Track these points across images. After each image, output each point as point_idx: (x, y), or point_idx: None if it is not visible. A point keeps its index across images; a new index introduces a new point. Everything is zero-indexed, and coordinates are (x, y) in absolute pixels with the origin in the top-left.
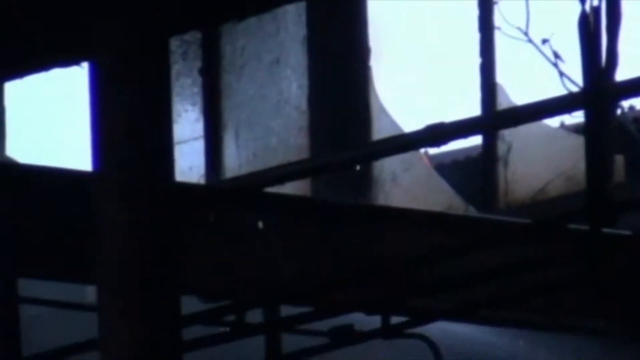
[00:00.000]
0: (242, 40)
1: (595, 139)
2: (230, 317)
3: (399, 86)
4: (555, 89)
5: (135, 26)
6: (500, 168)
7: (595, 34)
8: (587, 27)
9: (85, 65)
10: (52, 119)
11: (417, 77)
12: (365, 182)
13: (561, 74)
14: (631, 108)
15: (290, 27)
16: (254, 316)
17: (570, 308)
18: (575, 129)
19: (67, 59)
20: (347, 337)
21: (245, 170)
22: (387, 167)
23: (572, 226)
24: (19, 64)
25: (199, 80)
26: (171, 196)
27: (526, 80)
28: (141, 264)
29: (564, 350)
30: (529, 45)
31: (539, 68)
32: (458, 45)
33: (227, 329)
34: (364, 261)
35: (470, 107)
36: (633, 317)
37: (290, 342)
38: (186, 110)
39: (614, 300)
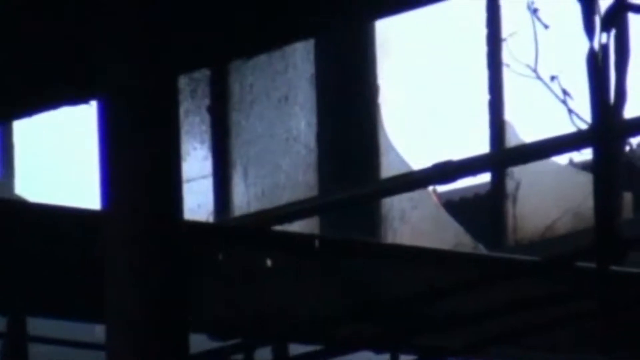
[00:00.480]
0: (251, 77)
1: (603, 176)
2: (239, 356)
3: (408, 123)
4: (563, 126)
5: (144, 65)
6: (509, 205)
7: (604, 70)
8: (596, 63)
9: (94, 104)
10: (61, 157)
11: (426, 114)
12: (374, 219)
13: (570, 111)
14: None
15: (298, 64)
16: (263, 354)
17: (575, 346)
18: (584, 166)
19: (76, 98)
20: None
21: (253, 208)
22: (396, 204)
23: (580, 264)
24: (28, 101)
25: (207, 118)
26: (180, 235)
27: (535, 117)
28: (150, 303)
29: None
30: (538, 82)
31: (548, 105)
32: (467, 82)
33: None
34: (372, 298)
35: (479, 144)
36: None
37: None
38: (195, 148)
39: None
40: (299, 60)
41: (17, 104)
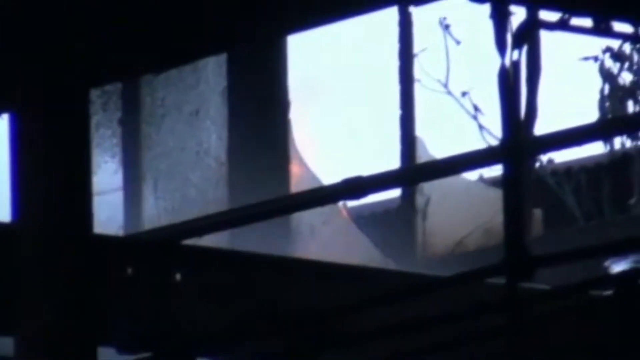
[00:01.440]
0: (162, 91)
1: (513, 192)
2: None
3: (319, 138)
4: (474, 142)
5: (56, 77)
6: (419, 221)
7: (515, 87)
8: (507, 80)
9: (5, 117)
10: None
11: (338, 130)
12: (284, 234)
13: (480, 126)
14: (550, 161)
15: (210, 78)
16: None
17: None
18: (494, 181)
19: None
20: None
21: (164, 221)
22: (306, 219)
23: (490, 280)
24: None
25: (118, 131)
26: (89, 248)
27: (445, 133)
28: (60, 315)
29: None
30: (449, 97)
31: (459, 121)
32: (379, 97)
33: None
34: (281, 313)
35: (390, 159)
36: None
37: None
38: (106, 162)
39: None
40: (211, 74)
41: None
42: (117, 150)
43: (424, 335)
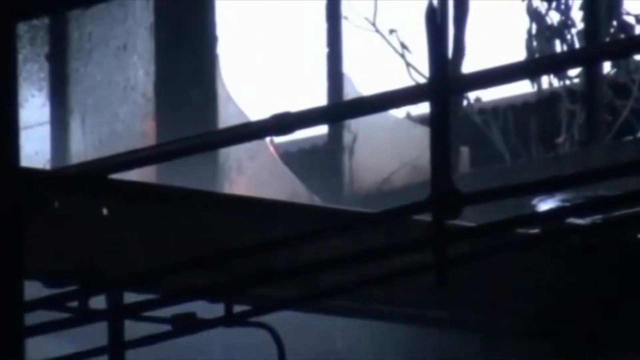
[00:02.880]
0: (90, 25)
1: (440, 130)
2: (74, 303)
3: (247, 74)
4: (402, 80)
5: None
6: (346, 157)
7: (442, 25)
8: (434, 18)
9: None
10: None
11: (265, 65)
12: (211, 169)
13: (408, 64)
14: (477, 100)
15: (137, 13)
16: (98, 303)
17: (411, 299)
18: (421, 119)
19: None
20: (189, 324)
21: (91, 156)
22: (233, 155)
23: (417, 217)
24: None
25: (46, 65)
26: (16, 181)
27: (373, 70)
28: None
29: (403, 341)
30: (377, 35)
31: (386, 58)
32: (306, 34)
33: (71, 315)
34: (208, 248)
35: (317, 96)
36: (475, 307)
37: (133, 329)
38: (33, 96)
39: (457, 289)
40: (138, 9)
41: None
42: (45, 84)
43: (351, 272)
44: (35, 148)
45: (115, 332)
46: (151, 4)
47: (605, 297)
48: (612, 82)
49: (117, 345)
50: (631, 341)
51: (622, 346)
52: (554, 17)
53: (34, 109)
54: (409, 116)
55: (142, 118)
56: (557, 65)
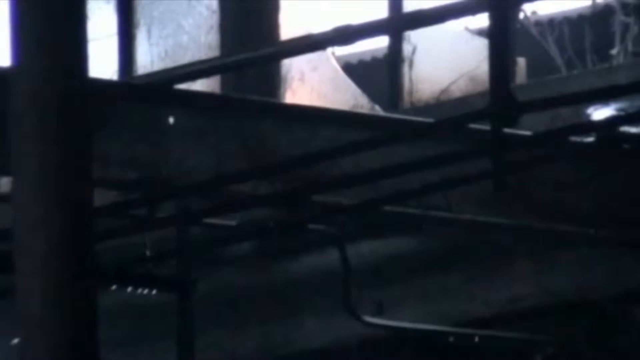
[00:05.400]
0: None
1: (498, 41)
2: (142, 210)
3: None
4: None
5: None
6: (406, 69)
7: None
8: None
9: None
10: None
11: None
12: (274, 80)
13: None
14: (533, 13)
15: None
16: (167, 209)
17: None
18: (480, 31)
19: None
20: (252, 230)
21: (156, 67)
22: (295, 66)
23: (475, 126)
24: None
25: None
26: (85, 92)
27: None
28: (55, 156)
29: None
30: None
31: None
32: None
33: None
34: (272, 157)
35: (378, 8)
36: (531, 211)
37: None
38: (100, 8)
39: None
40: None
41: None
42: None
43: (411, 178)
44: (102, 59)
45: (183, 238)
46: None
47: None
48: None
49: (185, 250)
50: None
51: None
52: None
53: (101, 21)
54: (467, 28)
55: (207, 30)
56: None
